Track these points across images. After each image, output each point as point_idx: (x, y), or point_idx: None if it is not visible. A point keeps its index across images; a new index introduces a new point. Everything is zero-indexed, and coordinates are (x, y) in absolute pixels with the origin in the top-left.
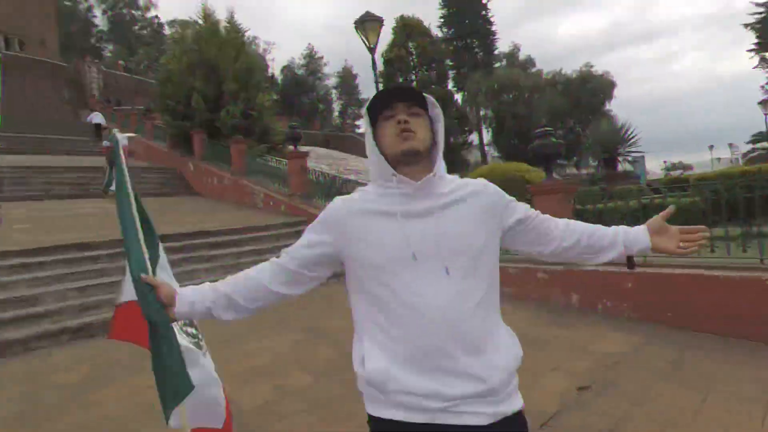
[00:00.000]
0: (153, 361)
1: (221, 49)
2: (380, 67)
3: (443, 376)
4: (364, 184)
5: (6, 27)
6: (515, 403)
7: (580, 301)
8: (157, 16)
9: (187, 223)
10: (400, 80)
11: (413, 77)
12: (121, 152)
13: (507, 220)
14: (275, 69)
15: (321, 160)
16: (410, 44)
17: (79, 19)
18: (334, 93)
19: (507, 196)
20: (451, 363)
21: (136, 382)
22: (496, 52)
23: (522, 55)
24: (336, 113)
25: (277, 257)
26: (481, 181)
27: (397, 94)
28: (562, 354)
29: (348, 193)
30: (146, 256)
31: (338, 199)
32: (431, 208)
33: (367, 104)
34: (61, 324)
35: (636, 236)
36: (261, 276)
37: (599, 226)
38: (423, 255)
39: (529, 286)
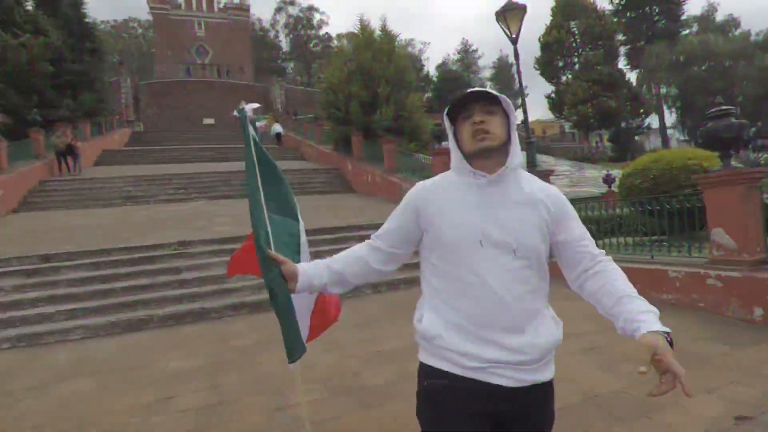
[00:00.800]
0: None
1: (375, 56)
2: (537, 52)
3: (483, 343)
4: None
5: (218, 61)
6: (545, 375)
7: (765, 317)
8: (327, 33)
9: (342, 217)
10: (560, 64)
11: (575, 59)
12: (249, 124)
13: (556, 235)
14: (430, 67)
15: None
16: (572, 23)
17: (268, 45)
18: (489, 85)
19: (570, 212)
20: (492, 335)
21: None
22: (683, 17)
23: (720, 16)
24: None
25: (370, 240)
26: (554, 190)
27: (472, 97)
28: (724, 375)
29: None
30: (269, 230)
31: (419, 184)
32: (503, 202)
33: (446, 108)
34: (242, 299)
35: (631, 331)
36: (363, 256)
37: (619, 288)
38: (488, 242)
39: (696, 294)
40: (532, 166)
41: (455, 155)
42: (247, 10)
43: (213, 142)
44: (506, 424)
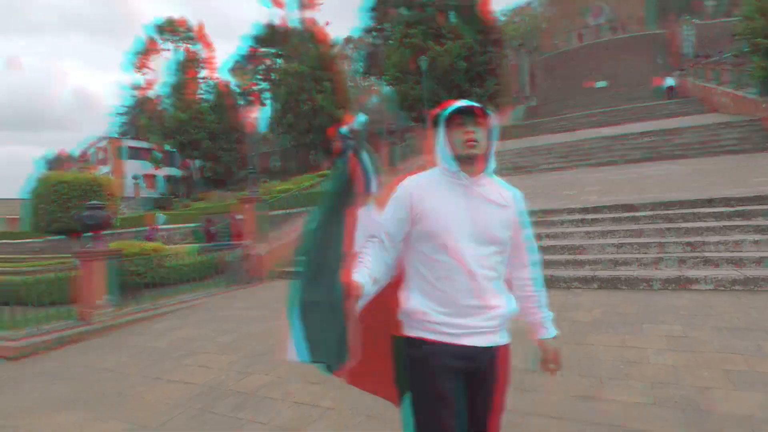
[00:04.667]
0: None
1: None
2: None
3: (462, 315)
4: None
5: (613, 15)
6: (504, 338)
7: None
8: None
9: (751, 184)
10: None
11: None
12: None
13: (514, 235)
14: None
15: None
16: None
17: None
18: None
19: (525, 217)
20: (469, 308)
21: (618, 337)
22: None
23: None
24: None
25: (371, 238)
26: (519, 194)
27: (467, 109)
28: None
29: None
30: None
31: (410, 178)
32: (481, 201)
33: (438, 115)
34: (594, 273)
35: (537, 326)
36: (380, 254)
37: (539, 294)
38: (470, 236)
39: None
40: None
41: (445, 156)
42: None
43: (602, 105)
44: (473, 380)
